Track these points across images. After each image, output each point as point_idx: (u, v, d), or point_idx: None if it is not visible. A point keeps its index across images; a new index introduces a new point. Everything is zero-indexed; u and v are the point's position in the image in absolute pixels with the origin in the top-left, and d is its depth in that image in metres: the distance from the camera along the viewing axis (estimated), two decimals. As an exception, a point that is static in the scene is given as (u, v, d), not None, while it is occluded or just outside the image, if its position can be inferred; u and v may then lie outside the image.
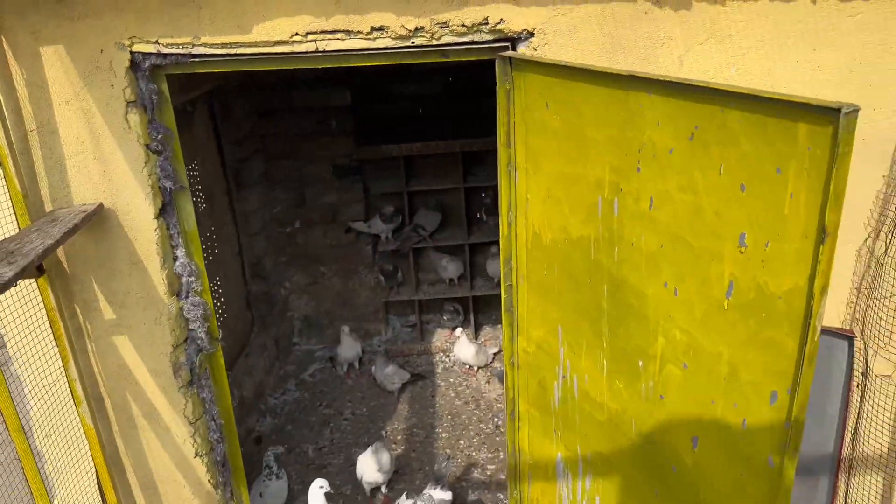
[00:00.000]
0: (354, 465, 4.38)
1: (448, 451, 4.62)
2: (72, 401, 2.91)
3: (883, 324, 2.69)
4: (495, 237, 5.83)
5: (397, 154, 5.63)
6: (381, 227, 5.76)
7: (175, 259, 2.86)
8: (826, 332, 2.84)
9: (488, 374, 5.61)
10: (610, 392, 2.46)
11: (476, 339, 5.96)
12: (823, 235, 1.60)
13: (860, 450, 3.06)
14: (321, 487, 3.53)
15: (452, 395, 5.44)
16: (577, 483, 2.79)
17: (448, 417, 5.16)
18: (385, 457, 4.21)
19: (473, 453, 4.74)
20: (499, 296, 6.06)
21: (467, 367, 5.66)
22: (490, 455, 4.72)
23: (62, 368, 2.85)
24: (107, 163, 2.66)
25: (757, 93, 1.70)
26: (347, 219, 5.97)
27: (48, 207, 2.71)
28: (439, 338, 6.10)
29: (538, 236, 2.63)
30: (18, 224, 2.64)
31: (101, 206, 2.67)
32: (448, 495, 3.56)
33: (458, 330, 5.57)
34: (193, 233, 2.90)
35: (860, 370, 2.86)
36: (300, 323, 6.22)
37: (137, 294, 2.84)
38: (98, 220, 2.68)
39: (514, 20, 2.51)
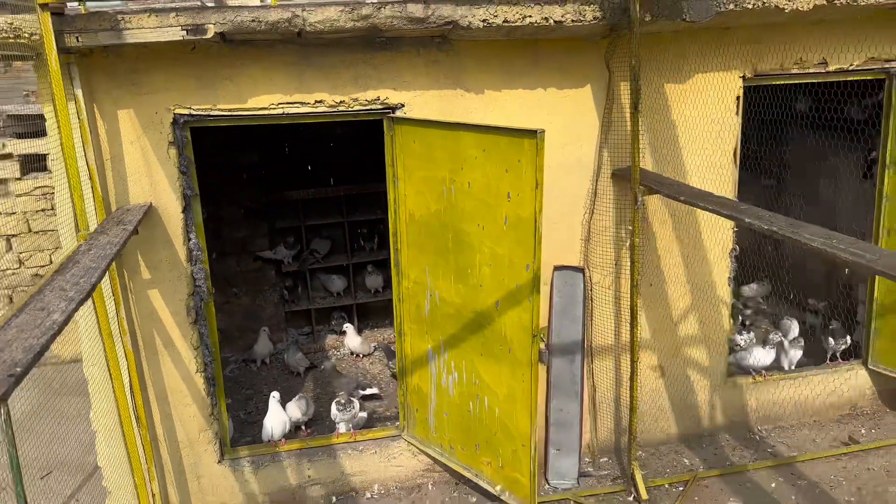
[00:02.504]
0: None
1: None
2: (119, 333, 4.52)
3: (595, 257, 5.01)
4: (371, 258, 7.87)
5: (297, 198, 7.59)
6: (284, 252, 7.60)
7: (189, 239, 4.63)
8: (569, 268, 5.10)
9: (372, 359, 7.50)
10: (456, 294, 4.53)
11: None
12: (537, 186, 3.80)
13: (595, 338, 5.32)
14: (274, 397, 5.27)
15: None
16: (440, 359, 4.80)
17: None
18: (306, 403, 5.96)
19: (366, 404, 6.58)
20: (375, 304, 8.04)
21: (355, 355, 7.52)
22: (378, 403, 6.58)
23: (115, 313, 4.48)
24: (154, 178, 4.44)
25: (509, 127, 3.91)
26: (255, 250, 7.74)
27: (113, 206, 4.41)
28: (330, 339, 7.93)
29: (412, 215, 4.71)
30: (97, 216, 4.31)
31: (150, 204, 4.43)
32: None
33: (346, 325, 7.44)
34: (200, 224, 4.68)
35: (589, 287, 5.15)
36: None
37: (167, 261, 4.57)
38: (147, 213, 4.43)
39: (393, 98, 4.65)
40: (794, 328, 6.25)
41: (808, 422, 5.92)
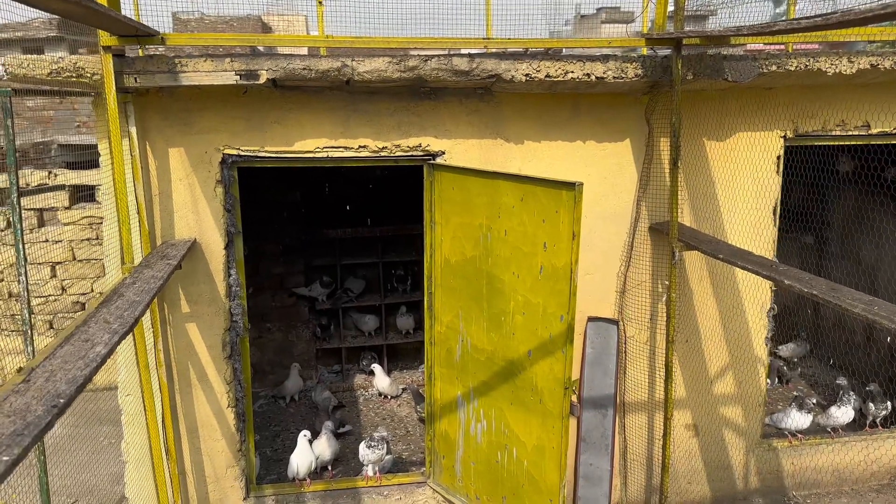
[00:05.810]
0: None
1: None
2: (155, 365, 4.60)
3: (630, 309, 4.97)
4: (404, 299, 7.91)
5: (333, 236, 7.70)
6: (319, 290, 7.69)
7: (230, 275, 4.73)
8: (603, 320, 5.08)
9: (400, 401, 7.49)
10: (488, 341, 4.53)
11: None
12: (574, 237, 3.82)
13: (628, 393, 5.25)
14: (304, 435, 5.27)
15: (373, 415, 7.26)
16: (469, 406, 4.78)
17: (371, 427, 6.95)
18: (334, 440, 5.96)
19: (393, 447, 6.55)
20: (406, 345, 8.07)
21: (383, 396, 7.51)
22: (404, 447, 6.55)
23: (153, 344, 4.57)
24: (199, 215, 4.56)
25: (546, 178, 3.95)
26: (291, 286, 7.84)
27: (158, 240, 4.54)
28: (359, 379, 7.94)
29: (448, 260, 4.75)
30: (142, 249, 4.44)
31: (195, 240, 4.55)
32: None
33: (374, 365, 7.43)
34: (241, 260, 4.78)
35: (623, 340, 5.10)
36: (248, 369, 7.88)
37: (207, 296, 4.66)
38: (191, 248, 4.54)
39: (435, 145, 4.74)
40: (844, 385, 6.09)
41: (846, 489, 5.72)
